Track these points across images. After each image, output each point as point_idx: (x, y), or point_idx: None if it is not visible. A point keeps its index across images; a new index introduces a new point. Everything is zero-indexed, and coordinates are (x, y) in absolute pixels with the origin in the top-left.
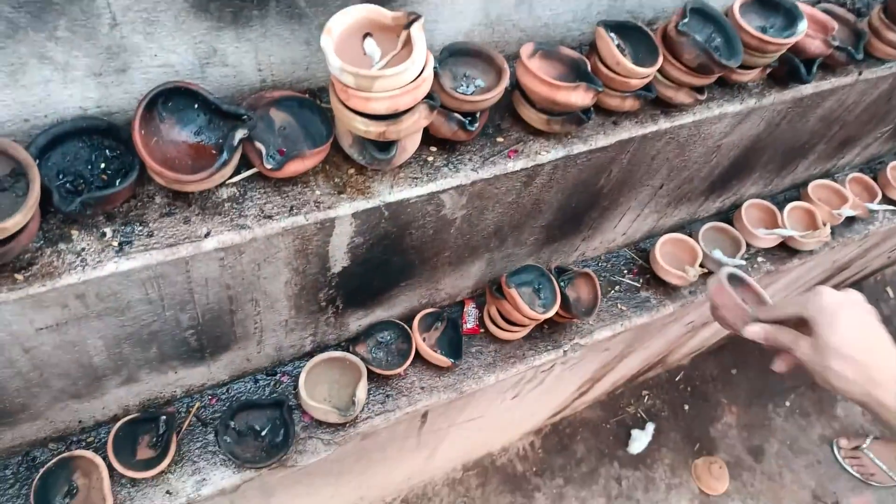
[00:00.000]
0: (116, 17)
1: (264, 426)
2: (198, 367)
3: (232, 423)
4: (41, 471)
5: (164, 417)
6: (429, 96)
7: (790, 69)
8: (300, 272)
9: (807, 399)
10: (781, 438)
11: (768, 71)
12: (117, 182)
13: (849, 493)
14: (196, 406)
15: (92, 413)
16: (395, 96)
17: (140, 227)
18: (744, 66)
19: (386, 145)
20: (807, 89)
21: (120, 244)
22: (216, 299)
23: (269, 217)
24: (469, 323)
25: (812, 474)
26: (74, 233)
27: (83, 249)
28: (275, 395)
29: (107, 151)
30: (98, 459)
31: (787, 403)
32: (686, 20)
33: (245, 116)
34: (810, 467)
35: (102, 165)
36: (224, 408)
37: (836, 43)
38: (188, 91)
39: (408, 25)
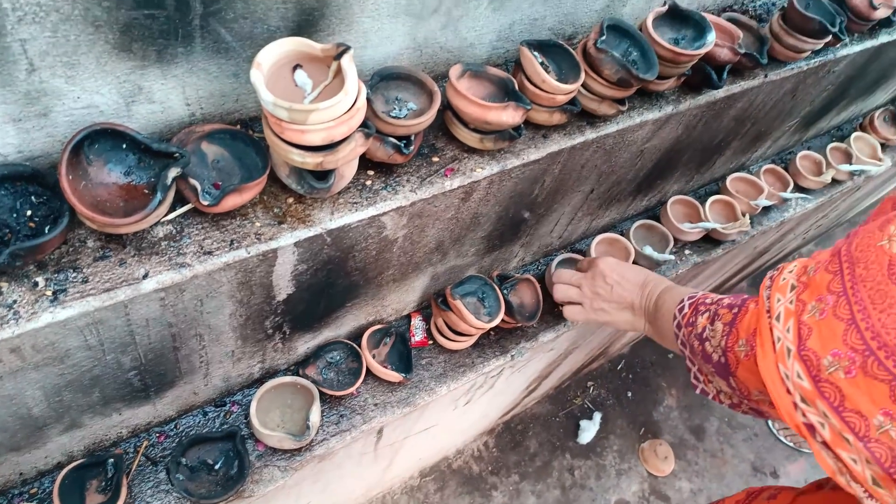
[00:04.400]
0: (34, 62)
1: (217, 459)
2: (143, 406)
3: (183, 460)
4: None
5: (111, 460)
6: (364, 124)
7: (703, 76)
8: (244, 303)
9: None
10: (720, 416)
11: (683, 79)
12: (47, 229)
13: (785, 461)
14: (144, 445)
15: (33, 463)
16: (331, 127)
17: (74, 274)
18: (660, 77)
19: (324, 174)
20: (719, 94)
21: (54, 293)
22: (158, 338)
23: (210, 253)
24: (417, 336)
25: (750, 447)
26: (4, 285)
27: (15, 302)
28: (225, 425)
29: (32, 198)
30: None
31: None
32: (604, 37)
33: (177, 154)
34: (748, 441)
35: (29, 213)
36: (174, 444)
37: (743, 50)
38: (115, 132)
39: (338, 57)
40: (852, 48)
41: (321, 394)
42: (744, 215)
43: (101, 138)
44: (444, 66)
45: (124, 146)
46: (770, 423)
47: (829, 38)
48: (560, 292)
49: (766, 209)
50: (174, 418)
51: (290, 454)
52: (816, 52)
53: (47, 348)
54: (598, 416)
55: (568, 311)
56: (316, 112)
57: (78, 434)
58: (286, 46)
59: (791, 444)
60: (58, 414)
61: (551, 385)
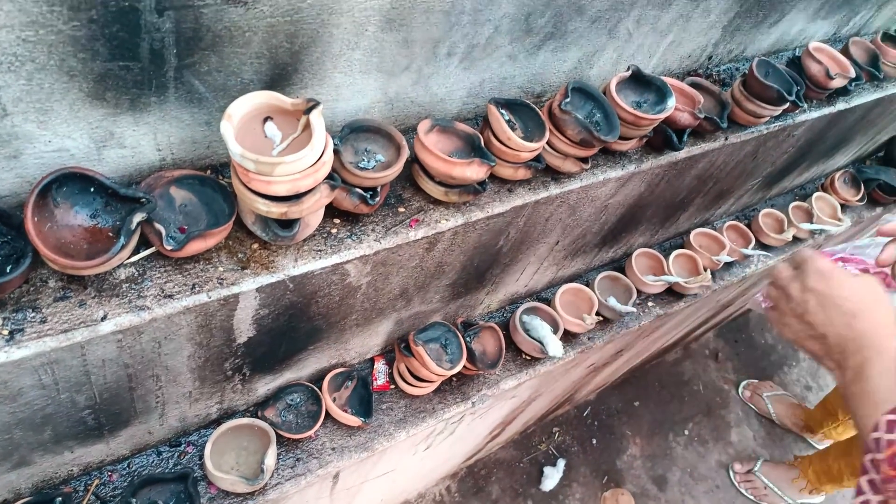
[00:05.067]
0: (7, 108)
1: (168, 501)
2: (96, 444)
3: (133, 501)
4: None
5: (59, 499)
6: (330, 176)
7: (664, 138)
8: (204, 346)
9: (704, 427)
10: (682, 466)
11: (645, 140)
12: (8, 269)
13: None
14: (94, 483)
15: None
16: (296, 179)
17: (32, 314)
18: (623, 137)
19: (289, 222)
20: (680, 154)
21: (10, 332)
22: (114, 379)
23: (170, 296)
24: (379, 380)
25: (712, 499)
26: None
27: None
28: (179, 466)
29: None
30: None
31: (686, 432)
32: (568, 99)
33: (143, 199)
34: (710, 493)
35: None
36: (125, 483)
37: (703, 115)
38: (83, 176)
39: (307, 111)
40: (811, 114)
41: (278, 436)
42: (706, 270)
43: (70, 181)
44: (415, 120)
45: (92, 190)
46: (731, 475)
47: (788, 104)
48: (767, 289)
49: (729, 264)
50: (127, 457)
51: (242, 498)
52: (776, 117)
53: (0, 386)
54: (561, 463)
55: (769, 314)
56: (282, 165)
57: (27, 471)
58: (257, 100)
59: (752, 497)
60: (6, 451)
61: (516, 430)
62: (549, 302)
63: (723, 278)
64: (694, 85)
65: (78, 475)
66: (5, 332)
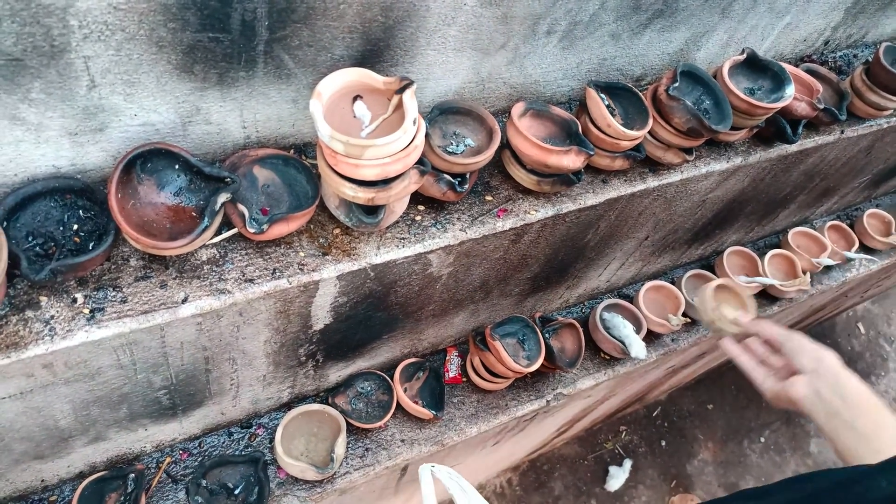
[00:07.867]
0: (95, 79)
1: (238, 484)
2: (169, 423)
3: (204, 482)
4: None
5: (132, 474)
6: (419, 161)
7: (776, 129)
8: (281, 331)
9: (781, 436)
10: (757, 475)
11: (755, 131)
12: (90, 246)
13: None
14: (167, 461)
15: (56, 472)
16: (386, 164)
17: (113, 293)
18: (733, 127)
19: (374, 208)
20: (791, 148)
21: (92, 311)
22: (191, 361)
23: (251, 280)
24: (451, 372)
25: None
26: (43, 299)
27: (52, 317)
28: (250, 448)
29: (80, 212)
30: None
31: (762, 440)
32: (677, 84)
33: (228, 179)
34: None
35: (75, 227)
36: (196, 463)
37: (822, 105)
38: (169, 152)
39: (400, 90)
40: None
41: (348, 425)
42: (804, 273)
43: (155, 158)
44: (506, 102)
45: (176, 167)
46: None
47: None
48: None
49: (828, 268)
50: (199, 436)
51: (311, 485)
52: None
53: (79, 365)
54: (628, 464)
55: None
56: (373, 148)
57: (102, 446)
58: (348, 77)
59: None
60: (84, 427)
61: (583, 427)
62: (630, 299)
63: (821, 282)
64: (810, 72)
65: (151, 452)
66: (86, 311)
